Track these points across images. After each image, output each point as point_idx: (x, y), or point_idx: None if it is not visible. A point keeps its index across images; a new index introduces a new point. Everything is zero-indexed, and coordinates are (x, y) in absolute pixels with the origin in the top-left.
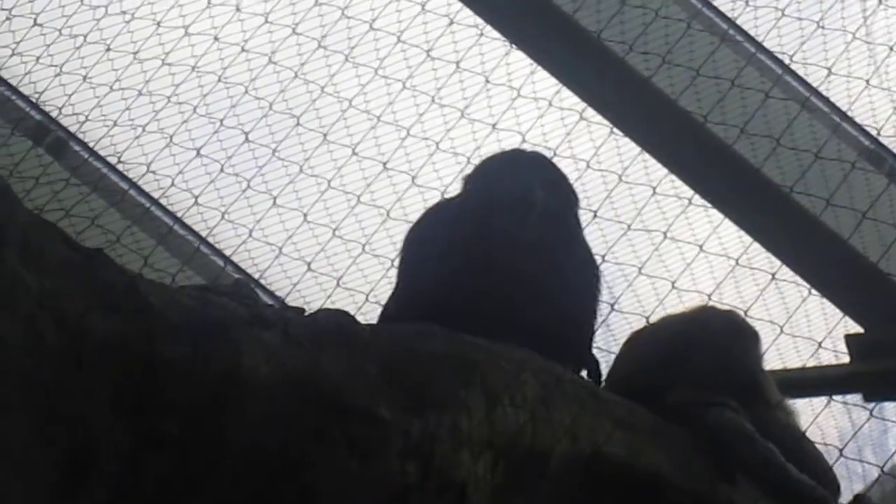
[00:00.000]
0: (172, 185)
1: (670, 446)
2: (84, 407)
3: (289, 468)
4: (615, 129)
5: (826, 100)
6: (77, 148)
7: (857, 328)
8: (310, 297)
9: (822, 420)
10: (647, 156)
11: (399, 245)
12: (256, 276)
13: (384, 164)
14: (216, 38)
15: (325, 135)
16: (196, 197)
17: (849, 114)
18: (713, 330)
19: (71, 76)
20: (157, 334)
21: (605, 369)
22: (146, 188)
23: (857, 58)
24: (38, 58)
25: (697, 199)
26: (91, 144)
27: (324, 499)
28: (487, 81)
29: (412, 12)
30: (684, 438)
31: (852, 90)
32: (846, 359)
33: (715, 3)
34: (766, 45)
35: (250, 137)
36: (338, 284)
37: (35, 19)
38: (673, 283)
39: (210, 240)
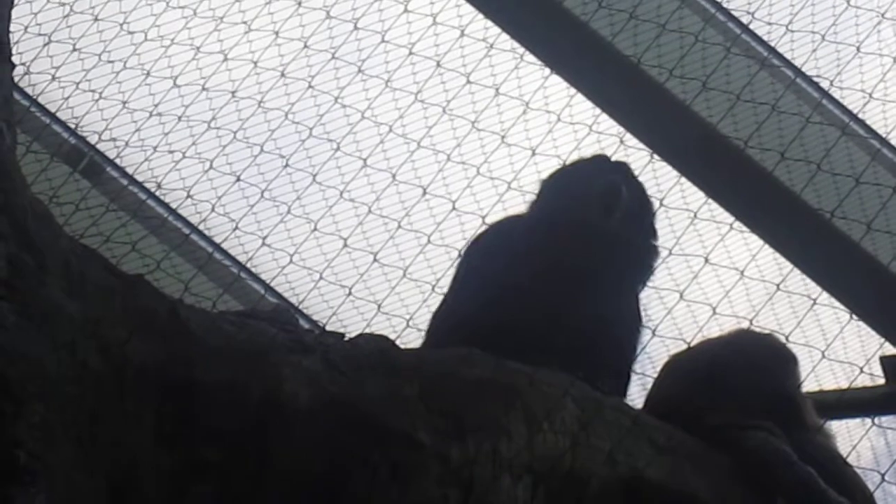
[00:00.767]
0: (212, 210)
1: (709, 471)
2: (126, 434)
3: (331, 493)
4: (654, 155)
5: (864, 124)
6: (115, 174)
7: (892, 350)
8: (349, 323)
9: (856, 441)
10: (685, 181)
11: (438, 270)
12: (296, 302)
13: (424, 189)
14: (255, 64)
15: (364, 160)
16: (236, 223)
17: (888, 139)
18: (752, 353)
19: (109, 101)
20: (198, 360)
21: (642, 393)
22: (185, 214)
23: (893, 80)
24: (76, 83)
25: (736, 224)
26: (130, 171)
27: None
28: (526, 105)
29: (451, 36)
30: (723, 463)
31: (888, 115)
32: (881, 380)
33: (752, 28)
34: (804, 69)
35: (289, 163)
36: (378, 309)
37: (74, 45)
38: (714, 308)
39: (249, 266)
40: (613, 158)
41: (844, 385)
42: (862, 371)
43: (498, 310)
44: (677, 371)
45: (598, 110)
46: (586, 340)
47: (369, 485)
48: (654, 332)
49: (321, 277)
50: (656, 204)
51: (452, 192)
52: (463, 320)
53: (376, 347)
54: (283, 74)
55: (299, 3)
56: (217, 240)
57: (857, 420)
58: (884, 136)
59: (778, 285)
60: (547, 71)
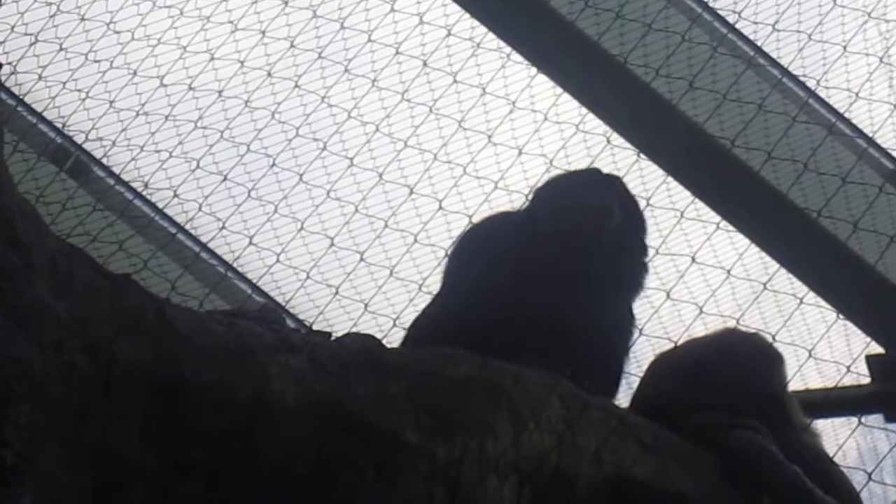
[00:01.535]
0: (199, 210)
1: (696, 470)
2: (113, 434)
3: (318, 492)
4: (640, 155)
5: (850, 123)
6: (102, 174)
7: (878, 349)
8: (336, 322)
9: (841, 440)
10: (671, 180)
11: (424, 270)
12: (282, 301)
13: (410, 188)
14: (241, 63)
15: (351, 159)
16: (222, 222)
17: (874, 138)
18: (738, 353)
19: (96, 100)
20: (185, 359)
21: (628, 392)
22: (172, 214)
23: (879, 80)
24: (63, 83)
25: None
26: (117, 170)
27: None
28: (513, 105)
29: (437, 35)
30: (710, 462)
31: (874, 114)
32: (867, 379)
33: (738, 27)
34: (791, 68)
35: (276, 162)
36: (365, 309)
37: (60, 44)
38: (700, 307)
39: (236, 265)
40: (599, 162)
41: (831, 384)
42: (848, 370)
43: (486, 307)
44: (664, 370)
45: (584, 110)
46: (573, 340)
47: (356, 483)
48: (640, 331)
49: (308, 277)
50: (648, 218)
51: (439, 191)
52: (452, 316)
53: (363, 347)
54: (269, 74)
55: (286, 3)
56: (204, 239)
57: (843, 419)
58: (870, 135)
59: (764, 285)
60: (533, 70)
